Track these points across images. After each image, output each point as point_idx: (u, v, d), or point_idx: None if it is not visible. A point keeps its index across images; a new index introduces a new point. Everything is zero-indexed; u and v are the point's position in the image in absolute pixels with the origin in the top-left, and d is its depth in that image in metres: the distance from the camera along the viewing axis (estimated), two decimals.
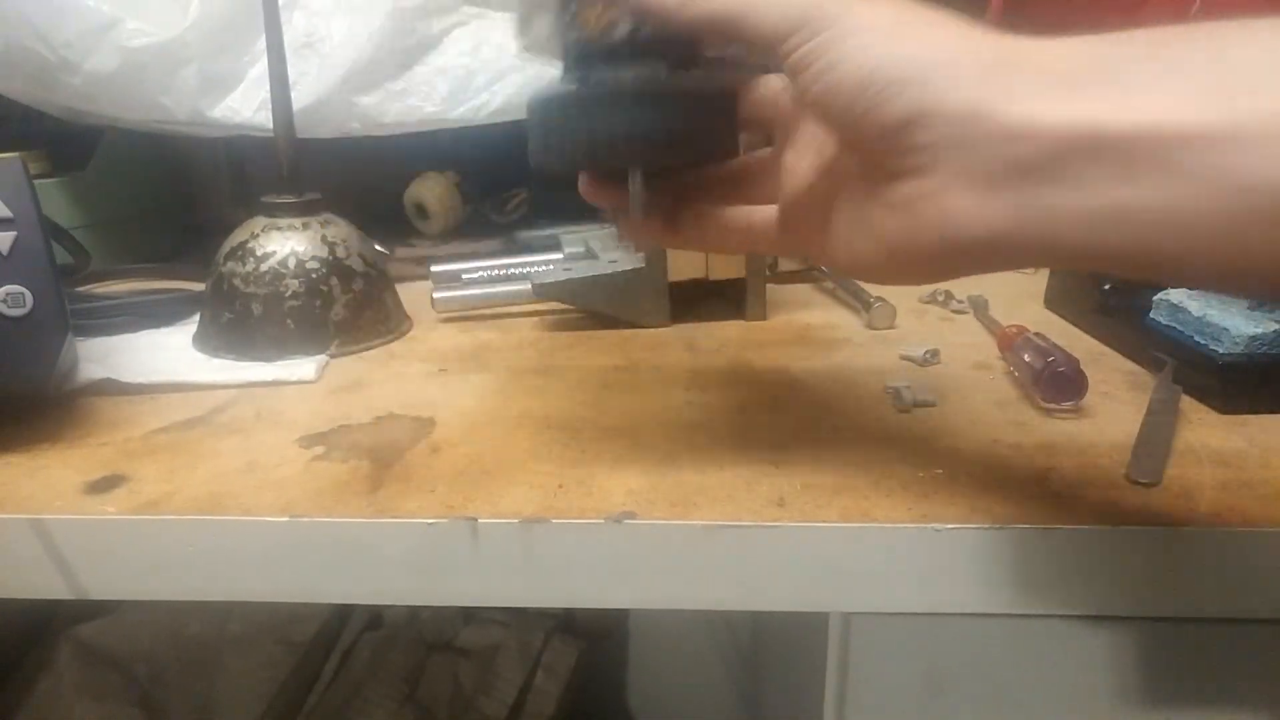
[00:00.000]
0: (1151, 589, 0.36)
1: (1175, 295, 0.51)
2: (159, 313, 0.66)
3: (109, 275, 0.78)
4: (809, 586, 0.37)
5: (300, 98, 0.67)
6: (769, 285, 0.65)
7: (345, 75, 0.70)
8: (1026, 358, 0.49)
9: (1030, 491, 0.38)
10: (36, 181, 0.46)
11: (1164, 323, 0.51)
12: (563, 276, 0.63)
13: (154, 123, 0.72)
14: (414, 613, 1.00)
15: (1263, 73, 0.24)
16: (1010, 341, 0.53)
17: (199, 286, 0.64)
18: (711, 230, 0.39)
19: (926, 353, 0.54)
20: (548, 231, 0.81)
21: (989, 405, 0.47)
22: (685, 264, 0.63)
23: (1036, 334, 0.52)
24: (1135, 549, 0.35)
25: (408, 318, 0.66)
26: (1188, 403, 0.47)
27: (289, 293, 0.57)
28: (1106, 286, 0.57)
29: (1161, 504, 0.37)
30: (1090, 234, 0.26)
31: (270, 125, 0.59)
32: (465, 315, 0.67)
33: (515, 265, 0.71)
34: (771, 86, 0.38)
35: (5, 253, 0.44)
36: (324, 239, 0.59)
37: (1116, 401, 0.47)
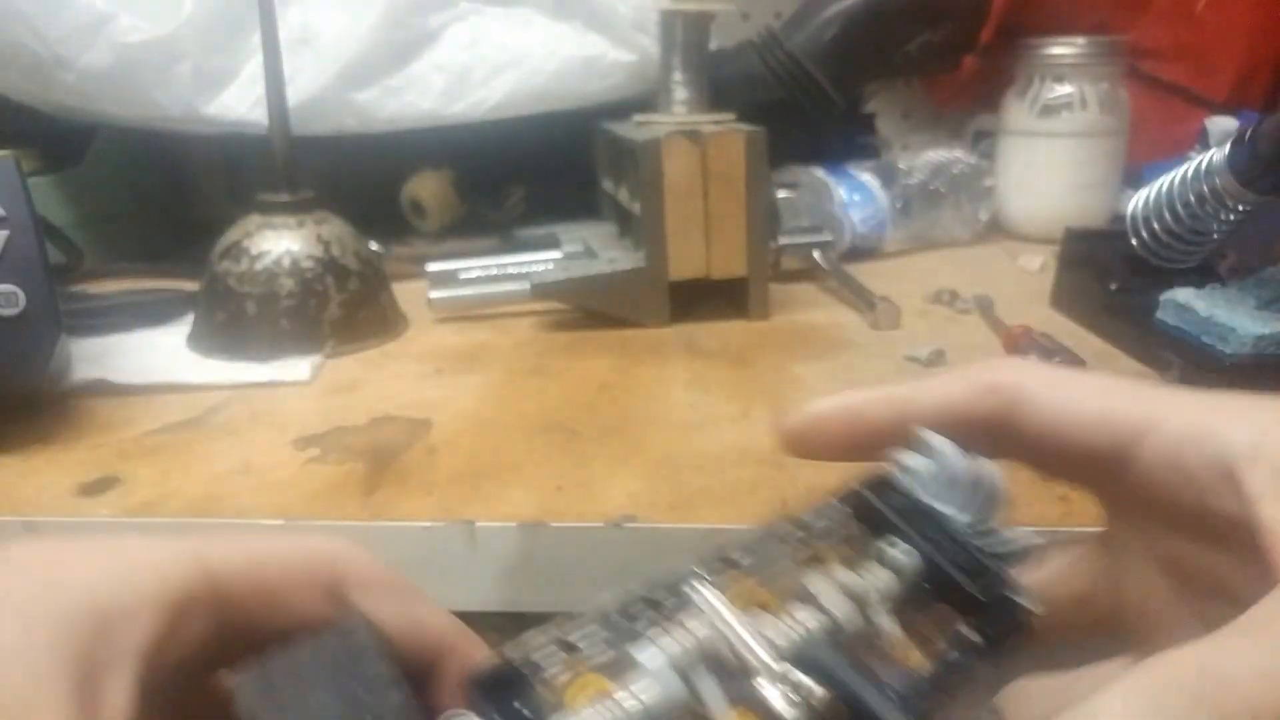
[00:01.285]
0: None
1: (1182, 295, 0.51)
2: (153, 312, 0.65)
3: (102, 274, 0.77)
4: None
5: (296, 94, 0.66)
6: (771, 284, 0.64)
7: (341, 71, 0.70)
8: (1032, 358, 0.49)
9: (1034, 493, 0.37)
10: (29, 179, 0.45)
11: (1171, 323, 0.51)
12: (561, 275, 0.63)
13: (148, 120, 0.71)
14: None
15: None
16: (1016, 342, 0.52)
17: (193, 285, 0.63)
18: None
19: (931, 353, 0.54)
20: (545, 229, 0.80)
21: None
22: (686, 262, 0.62)
23: (1042, 334, 0.52)
24: None
25: (404, 317, 0.65)
26: None
27: (284, 292, 0.57)
28: (1114, 286, 0.57)
29: None
30: None
31: (265, 122, 0.59)
32: (462, 315, 0.67)
33: (512, 264, 0.70)
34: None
35: None
36: (319, 238, 0.58)
37: None
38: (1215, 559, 0.22)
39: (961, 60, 0.88)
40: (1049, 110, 0.82)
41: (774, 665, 0.20)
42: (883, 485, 0.25)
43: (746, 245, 0.62)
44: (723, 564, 0.24)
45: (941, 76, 0.99)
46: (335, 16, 0.70)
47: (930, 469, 0.25)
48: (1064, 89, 0.81)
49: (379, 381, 0.53)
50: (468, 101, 0.72)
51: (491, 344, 0.61)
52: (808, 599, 0.22)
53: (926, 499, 0.24)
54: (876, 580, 0.23)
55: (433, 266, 0.70)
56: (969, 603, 0.23)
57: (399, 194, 0.86)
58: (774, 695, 0.19)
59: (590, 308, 0.63)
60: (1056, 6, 0.86)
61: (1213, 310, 0.48)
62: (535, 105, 0.73)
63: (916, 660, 0.23)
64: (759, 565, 0.24)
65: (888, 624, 0.23)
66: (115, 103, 0.70)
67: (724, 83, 0.73)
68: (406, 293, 0.67)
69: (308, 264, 0.57)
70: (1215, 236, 0.55)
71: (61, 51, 0.67)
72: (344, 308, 0.58)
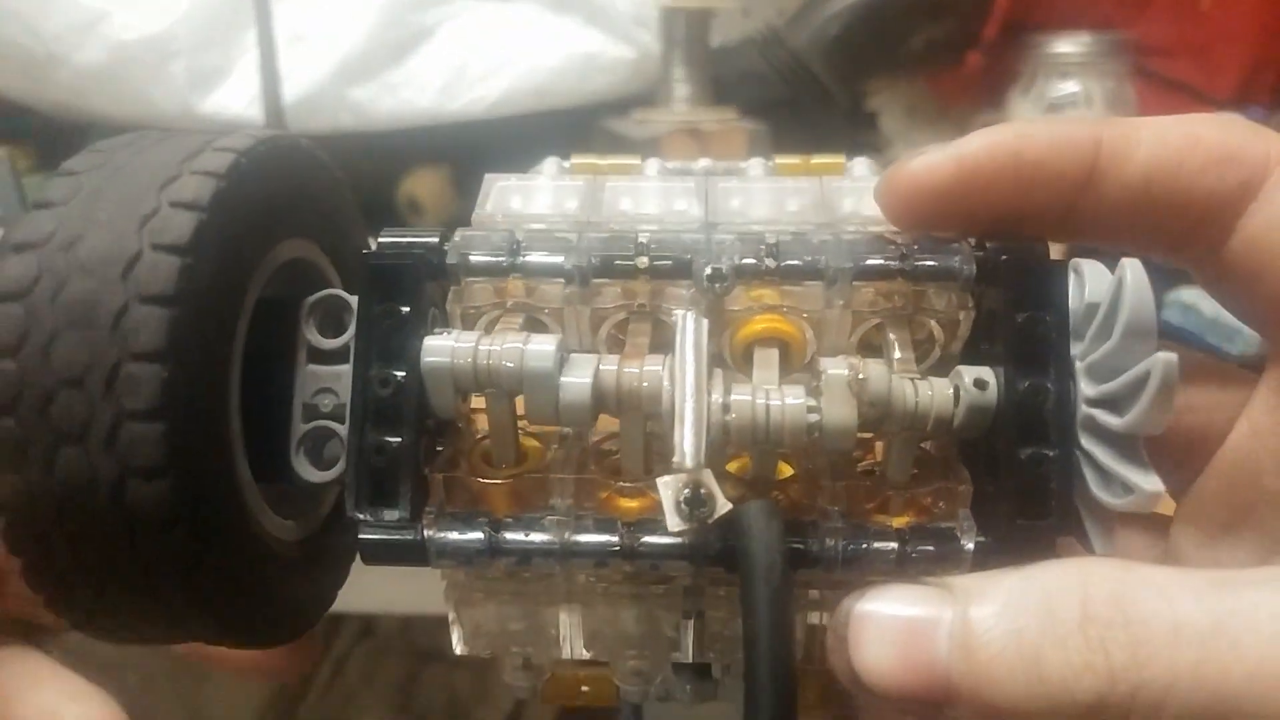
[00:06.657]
0: None
1: (1188, 295, 0.50)
2: None
3: None
4: None
5: (291, 91, 0.66)
6: None
7: (338, 68, 0.69)
8: None
9: None
10: (23, 178, 0.45)
11: (1176, 323, 0.50)
12: None
13: (143, 118, 0.71)
14: (407, 621, 0.98)
15: None
16: None
17: None
18: None
19: None
20: None
21: None
22: None
23: None
24: None
25: None
26: None
27: None
28: None
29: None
30: None
31: (261, 120, 0.58)
32: None
33: None
34: None
35: None
36: None
37: None
38: None
39: (965, 56, 0.87)
40: (1054, 108, 0.81)
41: (691, 460, 0.17)
42: (1034, 267, 0.18)
43: None
44: (755, 255, 0.19)
45: (945, 73, 0.99)
46: (331, 12, 0.70)
47: (1106, 301, 0.17)
48: (1069, 86, 0.80)
49: None
50: (466, 98, 0.71)
51: None
52: (810, 385, 0.18)
53: (1070, 328, 0.18)
54: (924, 392, 0.18)
55: None
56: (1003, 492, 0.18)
57: (396, 192, 0.86)
58: (668, 498, 0.17)
59: None
60: (1060, 2, 0.86)
61: (1219, 310, 0.47)
62: (534, 102, 0.73)
63: (890, 521, 0.19)
64: (796, 278, 0.19)
65: (895, 463, 0.18)
66: (110, 100, 0.69)
67: (725, 80, 0.73)
68: None
69: None
70: None
71: (55, 49, 0.67)
72: None
